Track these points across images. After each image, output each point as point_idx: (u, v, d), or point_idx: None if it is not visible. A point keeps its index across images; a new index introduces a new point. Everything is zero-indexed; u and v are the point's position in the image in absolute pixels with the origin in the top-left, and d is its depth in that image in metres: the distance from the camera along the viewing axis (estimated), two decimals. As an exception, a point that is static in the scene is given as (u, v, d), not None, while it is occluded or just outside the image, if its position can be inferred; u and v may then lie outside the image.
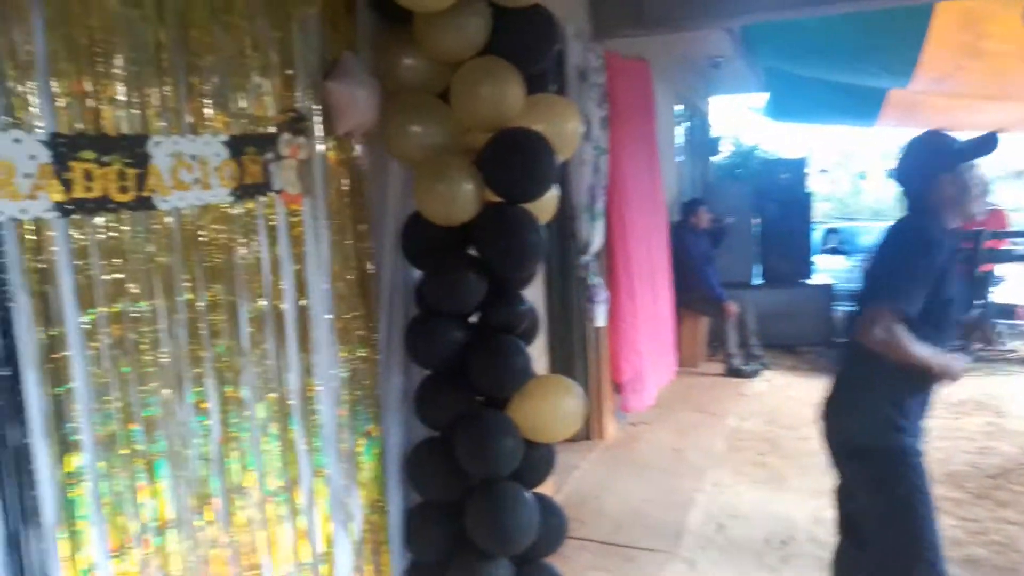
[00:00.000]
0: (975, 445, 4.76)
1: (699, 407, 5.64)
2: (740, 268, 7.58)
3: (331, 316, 2.32)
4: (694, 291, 6.35)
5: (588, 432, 4.73)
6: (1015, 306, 7.56)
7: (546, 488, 2.83)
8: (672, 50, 6.25)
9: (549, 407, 2.53)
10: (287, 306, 2.14)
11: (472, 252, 2.48)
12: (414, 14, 2.24)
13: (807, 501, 3.94)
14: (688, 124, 8.33)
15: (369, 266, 2.48)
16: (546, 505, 2.67)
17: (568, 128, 2.56)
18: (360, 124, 2.27)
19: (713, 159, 9.53)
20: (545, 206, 2.57)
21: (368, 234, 2.47)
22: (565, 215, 3.99)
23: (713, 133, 9.53)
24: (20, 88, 1.46)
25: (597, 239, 4.35)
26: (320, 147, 2.23)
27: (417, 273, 2.56)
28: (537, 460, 2.61)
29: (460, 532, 2.51)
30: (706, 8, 4.19)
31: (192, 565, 1.86)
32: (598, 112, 4.21)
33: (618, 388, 4.86)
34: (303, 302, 2.20)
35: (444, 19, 2.21)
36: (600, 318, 4.46)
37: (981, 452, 4.65)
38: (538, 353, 3.37)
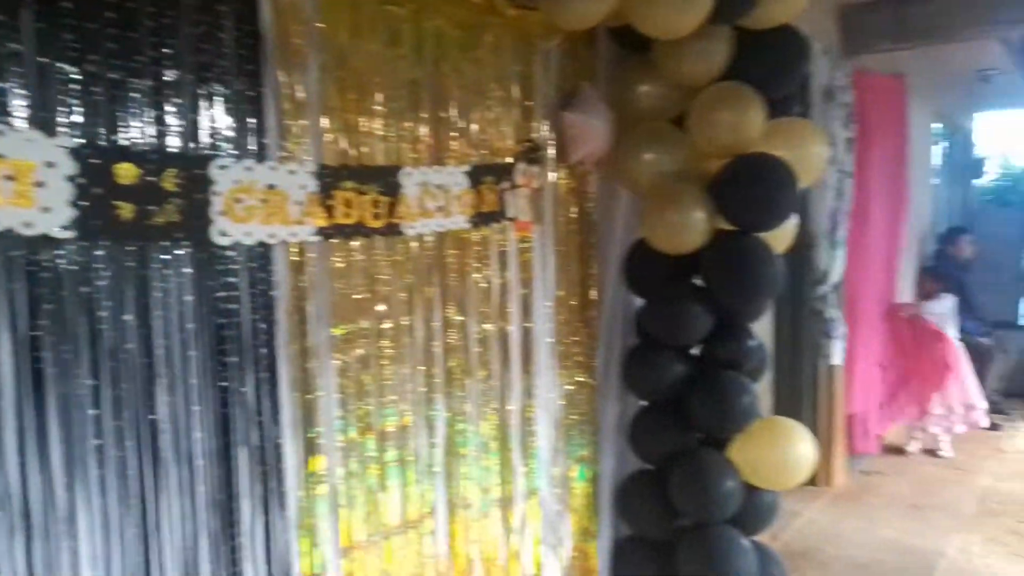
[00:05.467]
0: None
1: (945, 461, 5.03)
2: (1002, 306, 6.67)
3: (552, 340, 2.35)
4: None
5: (814, 478, 4.38)
6: None
7: (763, 535, 2.65)
8: (931, 63, 5.64)
9: (775, 452, 2.37)
10: (513, 329, 2.20)
11: (699, 282, 2.39)
12: (654, 41, 2.21)
13: (1084, 588, 3.36)
14: (947, 143, 7.49)
15: (592, 293, 2.48)
16: (764, 554, 2.50)
17: (812, 153, 2.39)
18: (593, 152, 2.28)
19: (976, 182, 8.48)
20: (782, 235, 2.41)
21: (593, 261, 2.48)
22: (802, 243, 3.74)
23: (977, 153, 8.49)
24: (294, 125, 1.62)
25: (837, 269, 4.03)
26: (552, 176, 2.27)
27: (639, 301, 2.52)
28: (758, 507, 2.45)
29: (670, 573, 2.42)
30: (979, 16, 3.74)
31: (413, 572, 1.96)
32: (844, 133, 3.90)
33: (850, 429, 4.49)
34: (528, 326, 2.25)
35: (686, 45, 2.15)
36: (837, 355, 4.12)
37: None
38: (762, 391, 3.18)
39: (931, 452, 5.11)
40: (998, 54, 5.62)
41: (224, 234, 1.49)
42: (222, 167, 1.48)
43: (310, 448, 1.74)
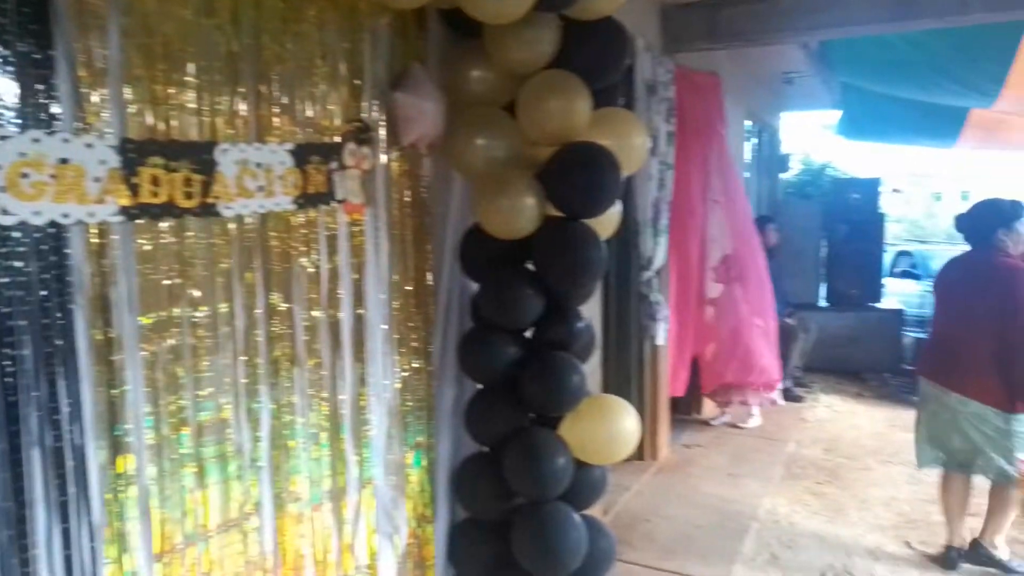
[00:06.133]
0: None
1: (757, 431, 5.49)
2: (804, 289, 7.37)
3: (387, 327, 2.30)
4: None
5: (641, 453, 4.64)
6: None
7: (595, 509, 2.76)
8: (743, 65, 6.11)
9: (603, 429, 2.46)
10: (344, 316, 2.14)
11: (530, 267, 2.43)
12: (484, 26, 2.21)
13: (866, 535, 3.79)
14: (757, 140, 8.14)
15: (428, 278, 2.46)
16: (595, 527, 2.60)
17: (634, 143, 2.49)
18: (425, 136, 2.25)
19: (782, 176, 9.29)
20: (607, 222, 2.51)
21: (429, 245, 2.45)
22: (627, 230, 3.92)
23: (783, 150, 9.30)
24: (93, 94, 1.48)
25: (660, 255, 4.27)
26: (384, 158, 2.23)
27: (475, 286, 2.53)
28: (588, 482, 2.54)
29: (506, 552, 2.46)
30: (783, 22, 4.07)
31: (237, 572, 1.86)
32: (665, 127, 4.13)
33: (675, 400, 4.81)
34: (360, 312, 2.19)
35: (514, 31, 2.18)
36: (661, 336, 4.37)
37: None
38: (592, 370, 3.31)
39: (734, 425, 5.56)
40: (800, 59, 6.18)
41: (7, 212, 1.34)
42: (3, 138, 1.32)
43: (117, 447, 1.60)
